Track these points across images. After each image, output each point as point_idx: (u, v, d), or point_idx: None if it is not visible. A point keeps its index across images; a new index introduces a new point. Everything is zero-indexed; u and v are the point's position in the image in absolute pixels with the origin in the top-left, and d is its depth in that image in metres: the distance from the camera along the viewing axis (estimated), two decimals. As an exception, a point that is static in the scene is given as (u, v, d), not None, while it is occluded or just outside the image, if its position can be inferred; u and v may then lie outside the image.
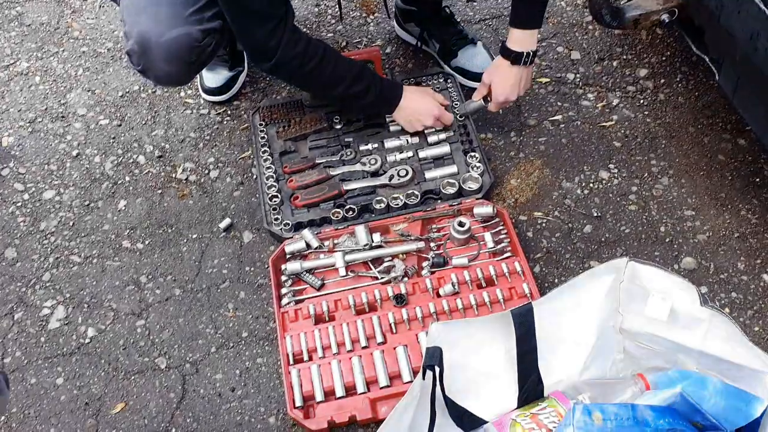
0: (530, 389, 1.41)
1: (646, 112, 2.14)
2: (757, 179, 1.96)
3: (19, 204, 2.07)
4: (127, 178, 2.10)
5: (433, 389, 1.30)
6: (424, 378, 1.28)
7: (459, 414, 1.40)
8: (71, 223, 2.02)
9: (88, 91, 2.33)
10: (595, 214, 1.93)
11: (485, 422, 1.40)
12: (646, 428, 1.22)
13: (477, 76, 2.17)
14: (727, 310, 1.72)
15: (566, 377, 1.44)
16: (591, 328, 1.43)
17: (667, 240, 1.87)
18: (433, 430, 1.29)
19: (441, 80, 2.19)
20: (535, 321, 1.37)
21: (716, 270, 1.81)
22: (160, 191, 2.07)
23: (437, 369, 1.28)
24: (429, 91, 2.05)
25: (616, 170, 2.02)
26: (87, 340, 1.80)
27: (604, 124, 2.12)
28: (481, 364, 1.42)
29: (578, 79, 2.24)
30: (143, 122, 2.23)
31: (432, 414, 1.29)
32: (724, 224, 1.89)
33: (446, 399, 1.35)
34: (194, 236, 1.97)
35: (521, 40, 1.84)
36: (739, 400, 1.27)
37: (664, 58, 2.27)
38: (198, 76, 2.21)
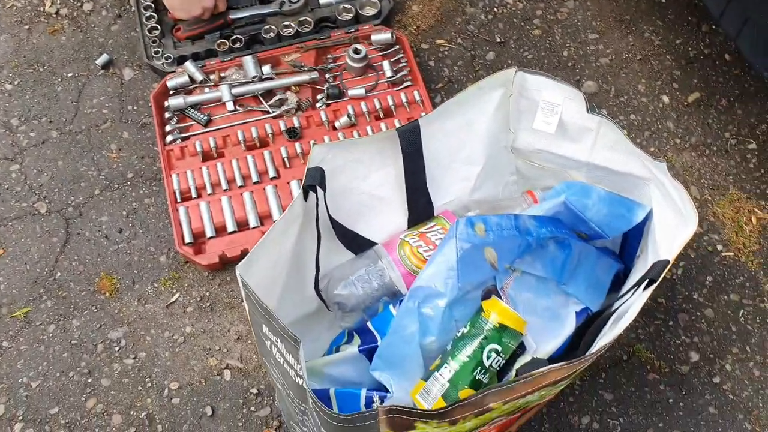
0: (420, 210, 1.38)
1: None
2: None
3: None
4: (-11, 14, 1.89)
5: (317, 211, 1.25)
6: (306, 200, 1.23)
7: (348, 237, 1.36)
8: (-72, 66, 1.82)
9: None
10: (499, 40, 1.85)
11: (375, 244, 1.38)
12: (528, 237, 1.22)
13: None
14: (625, 132, 1.71)
15: (456, 198, 1.41)
16: (481, 147, 1.39)
17: (570, 64, 1.82)
18: (320, 250, 1.26)
19: None
20: (422, 140, 1.31)
21: (617, 93, 1.78)
22: (27, 27, 1.86)
23: (320, 190, 1.22)
24: None
25: (521, -6, 1.92)
26: (-43, 189, 1.67)
27: (511, -55, 1.99)
28: (370, 188, 1.37)
29: None
30: (3, -50, 1.97)
31: (318, 235, 1.25)
32: (627, 47, 1.84)
33: (333, 221, 1.31)
34: (69, 75, 1.80)
35: None
36: (621, 207, 1.27)
37: None
38: None
